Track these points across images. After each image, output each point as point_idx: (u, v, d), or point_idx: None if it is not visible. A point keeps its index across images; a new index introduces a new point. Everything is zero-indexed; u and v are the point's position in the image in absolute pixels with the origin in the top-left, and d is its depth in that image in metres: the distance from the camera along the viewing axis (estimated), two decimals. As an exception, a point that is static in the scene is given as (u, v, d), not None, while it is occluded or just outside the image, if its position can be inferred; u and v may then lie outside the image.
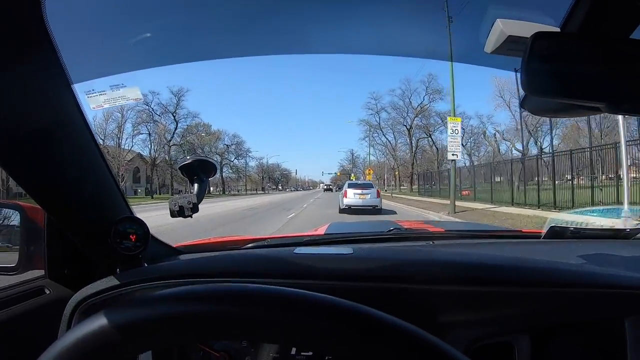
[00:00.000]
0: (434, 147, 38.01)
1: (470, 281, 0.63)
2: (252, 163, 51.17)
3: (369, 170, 27.04)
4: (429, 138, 37.09)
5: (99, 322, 0.33)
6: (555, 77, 0.40)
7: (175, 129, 36.27)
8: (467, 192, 17.38)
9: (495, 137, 32.77)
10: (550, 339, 0.68)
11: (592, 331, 0.68)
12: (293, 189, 58.51)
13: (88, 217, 0.55)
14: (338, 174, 54.53)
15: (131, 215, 0.60)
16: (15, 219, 0.66)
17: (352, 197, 12.34)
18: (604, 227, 1.32)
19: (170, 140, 35.96)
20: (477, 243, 1.20)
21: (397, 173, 38.07)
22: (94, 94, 0.64)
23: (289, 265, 0.66)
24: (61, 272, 0.65)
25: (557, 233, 1.18)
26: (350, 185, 13.49)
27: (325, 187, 44.52)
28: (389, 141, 39.05)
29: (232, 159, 45.45)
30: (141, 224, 0.60)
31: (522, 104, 0.51)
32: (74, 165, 0.49)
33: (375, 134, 38.59)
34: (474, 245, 1.17)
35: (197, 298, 0.33)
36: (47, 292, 0.70)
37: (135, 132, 32.77)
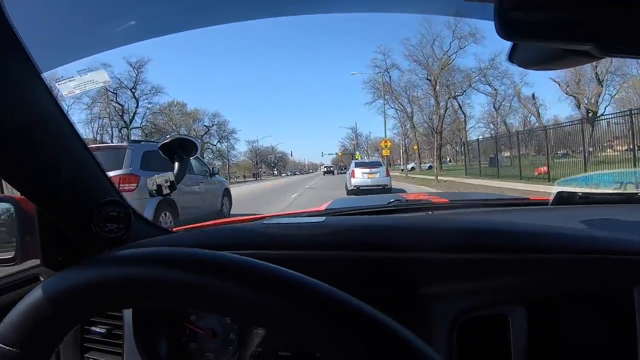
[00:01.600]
0: (459, 112, 33.87)
1: (455, 248, 0.64)
2: (243, 147, 50.77)
3: (385, 142, 23.29)
4: (454, 99, 32.63)
5: (44, 287, 0.37)
6: (531, 16, 0.39)
7: (136, 108, 32.57)
8: (543, 169, 13.75)
9: (535, 100, 29.34)
10: (550, 311, 0.68)
11: (596, 302, 0.68)
12: (290, 173, 57.20)
13: (71, 201, 0.61)
14: (339, 154, 53.43)
15: (114, 198, 0.66)
16: (9, 212, 0.73)
17: (360, 177, 12.41)
18: (616, 192, 1.36)
19: (130, 123, 31.75)
20: (481, 211, 1.25)
21: (416, 147, 33.10)
22: (63, 81, 0.70)
23: (256, 235, 0.68)
24: (55, 259, 0.69)
25: (565, 199, 1.22)
26: (358, 165, 13.48)
27: (325, 169, 43.03)
28: (402, 105, 34.53)
29: (215, 143, 42.96)
30: (124, 206, 0.64)
31: (510, 57, 0.50)
32: (52, 149, 0.55)
33: (385, 100, 34.35)
34: (476, 214, 1.21)
35: (135, 260, 0.37)
36: (42, 279, 0.77)
37: (91, 116, 30.02)
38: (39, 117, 0.51)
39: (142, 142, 6.54)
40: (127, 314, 0.68)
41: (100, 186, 0.64)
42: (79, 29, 0.74)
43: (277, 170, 57.66)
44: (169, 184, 0.68)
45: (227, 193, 7.94)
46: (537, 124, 28.84)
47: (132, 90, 31.62)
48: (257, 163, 54.45)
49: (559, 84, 27.68)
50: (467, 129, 34.13)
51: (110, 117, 30.63)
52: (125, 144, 6.17)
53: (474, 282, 0.64)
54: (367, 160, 15.60)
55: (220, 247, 0.58)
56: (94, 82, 0.73)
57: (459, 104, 33.31)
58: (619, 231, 0.90)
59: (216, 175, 7.74)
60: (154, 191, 0.68)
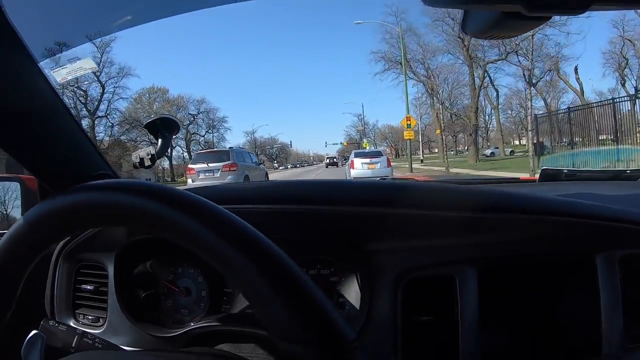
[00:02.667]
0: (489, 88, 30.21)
1: (398, 204, 0.68)
2: (241, 139, 50.26)
3: (407, 119, 18.91)
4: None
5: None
6: None
7: (102, 95, 29.56)
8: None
9: (577, 75, 25.45)
10: (506, 273, 0.71)
11: (557, 266, 0.72)
12: (290, 166, 56.21)
13: (67, 174, 0.74)
14: (344, 143, 52.44)
15: (105, 172, 0.74)
16: (16, 190, 0.87)
17: (359, 167, 12.54)
18: (603, 169, 1.48)
19: (94, 112, 28.92)
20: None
21: (440, 130, 26.20)
22: (57, 69, 0.84)
23: (220, 192, 0.79)
24: None
25: (551, 176, 1.32)
26: (358, 155, 13.63)
27: (328, 160, 40.81)
28: (419, 75, 29.49)
29: (203, 133, 40.79)
30: (112, 177, 0.72)
31: (463, 27, 0.52)
32: (48, 127, 0.66)
33: (396, 69, 30.15)
34: None
35: (90, 188, 0.45)
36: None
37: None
38: (37, 100, 0.60)
39: (235, 147, 13.88)
40: (111, 271, 0.79)
41: (92, 160, 0.77)
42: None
43: (277, 162, 56.99)
44: (150, 157, 0.82)
45: (266, 176, 14.54)
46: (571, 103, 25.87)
47: (97, 74, 28.23)
48: (256, 155, 54.11)
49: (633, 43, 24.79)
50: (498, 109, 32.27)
51: (75, 104, 27.93)
52: (227, 148, 13.69)
53: (419, 240, 0.68)
54: (367, 150, 15.73)
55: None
56: (83, 69, 0.87)
57: (490, 79, 28.86)
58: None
59: (260, 165, 14.85)
60: (137, 163, 0.82)
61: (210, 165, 11.65)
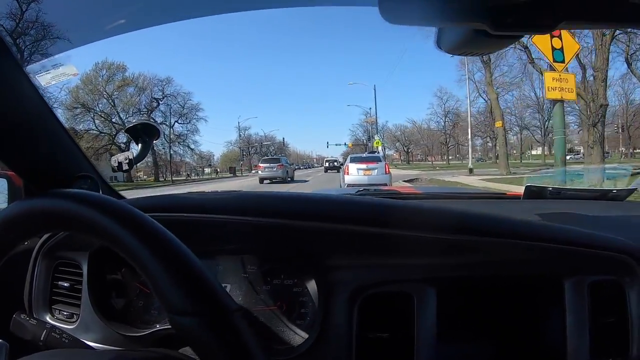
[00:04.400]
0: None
1: (358, 221, 0.73)
2: (232, 135, 49.00)
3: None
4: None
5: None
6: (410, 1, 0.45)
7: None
8: None
9: None
10: (470, 294, 0.78)
11: (523, 290, 0.77)
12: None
13: (50, 174, 0.78)
14: (349, 145, 50.00)
15: (87, 173, 0.84)
16: (3, 186, 0.97)
17: (355, 173, 12.53)
18: (588, 188, 1.54)
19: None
20: (443, 202, 1.45)
21: (500, 123, 22.44)
22: (42, 74, 0.97)
23: (180, 201, 0.85)
24: None
25: (535, 193, 1.42)
26: (353, 160, 13.62)
27: (328, 164, 38.29)
28: None
29: (172, 123, 37.52)
30: (94, 181, 0.84)
31: (437, 43, 0.55)
32: (32, 130, 0.71)
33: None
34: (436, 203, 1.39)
35: (49, 197, 0.53)
36: (26, 243, 0.95)
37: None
38: (22, 103, 0.68)
39: (282, 157, 27.16)
40: (85, 270, 0.89)
41: (75, 162, 0.85)
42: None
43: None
44: (127, 161, 0.94)
45: (293, 172, 23.53)
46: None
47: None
48: (248, 153, 52.51)
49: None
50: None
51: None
52: (278, 156, 27.60)
53: (379, 257, 0.74)
54: (364, 155, 15.65)
55: (149, 209, 0.76)
56: (66, 75, 1.00)
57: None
58: (591, 227, 0.97)
59: (292, 165, 28.39)
60: (116, 167, 0.94)
61: (271, 164, 22.70)
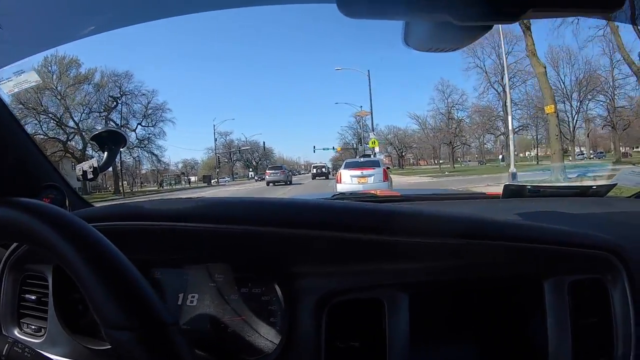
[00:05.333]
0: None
1: (323, 225, 0.73)
2: (210, 142, 47.96)
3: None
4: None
5: None
6: None
7: None
8: None
9: None
10: (445, 297, 0.79)
11: (502, 292, 0.79)
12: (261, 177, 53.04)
13: (16, 183, 0.81)
14: (337, 149, 48.36)
15: (53, 183, 0.87)
16: None
17: (348, 182, 11.66)
18: (569, 185, 1.61)
19: None
20: (428, 203, 1.51)
21: (552, 109, 18.32)
22: (3, 81, 1.00)
23: (143, 209, 0.85)
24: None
25: (514, 192, 1.49)
26: (348, 165, 12.90)
27: (315, 170, 36.96)
28: None
29: (134, 126, 35.27)
30: (61, 191, 0.88)
31: (405, 40, 0.56)
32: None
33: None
34: (421, 205, 1.45)
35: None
36: None
37: None
38: None
39: (284, 166, 32.37)
40: (50, 282, 0.90)
41: (42, 171, 0.88)
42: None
43: (252, 171, 53.37)
44: (92, 169, 0.97)
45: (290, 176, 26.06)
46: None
47: None
48: (230, 160, 51.32)
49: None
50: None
51: None
52: (280, 165, 37.02)
53: (346, 263, 0.74)
54: (361, 160, 14.67)
55: (113, 218, 0.79)
56: (28, 82, 1.03)
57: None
58: (553, 222, 1.00)
59: (289, 171, 31.29)
60: (81, 176, 0.97)
61: (275, 170, 28.85)
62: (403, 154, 52.97)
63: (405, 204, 1.48)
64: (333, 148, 49.14)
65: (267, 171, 29.96)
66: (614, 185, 1.49)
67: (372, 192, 1.88)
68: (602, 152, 39.62)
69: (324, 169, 37.61)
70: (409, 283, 0.75)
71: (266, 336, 0.76)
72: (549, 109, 18.16)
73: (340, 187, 11.43)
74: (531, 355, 0.76)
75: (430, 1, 0.47)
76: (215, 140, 47.76)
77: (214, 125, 45.98)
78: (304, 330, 0.72)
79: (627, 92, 31.75)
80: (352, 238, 0.73)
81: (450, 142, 40.50)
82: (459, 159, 41.59)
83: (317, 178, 34.75)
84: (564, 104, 34.61)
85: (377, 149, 25.42)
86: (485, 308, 0.80)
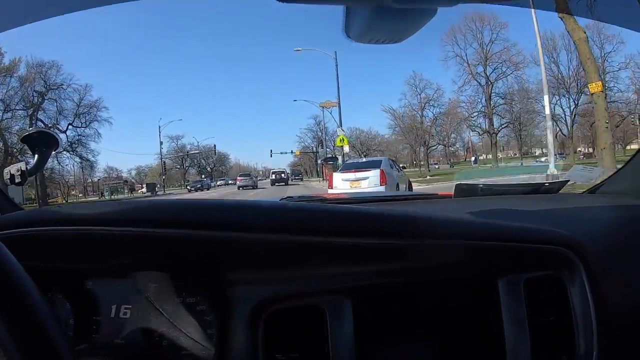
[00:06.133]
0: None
1: (262, 228, 0.70)
2: (164, 145, 47.12)
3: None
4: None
5: None
6: None
7: None
8: None
9: None
10: (396, 300, 0.79)
11: (457, 291, 0.80)
12: (223, 182, 49.78)
13: None
14: (297, 153, 47.45)
15: None
16: None
17: (339, 185, 10.94)
18: (521, 183, 1.66)
19: None
20: (380, 205, 1.50)
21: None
22: None
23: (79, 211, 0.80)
24: None
25: (466, 191, 1.52)
26: (344, 168, 12.25)
27: (274, 176, 36.71)
28: None
29: (64, 127, 32.46)
30: None
31: (346, 32, 0.58)
32: None
33: None
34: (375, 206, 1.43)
35: None
36: None
37: None
38: None
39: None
40: None
41: None
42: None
43: (206, 177, 50.96)
44: (19, 173, 0.95)
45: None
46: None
47: None
48: (182, 166, 50.20)
49: None
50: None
51: None
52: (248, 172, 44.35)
53: (283, 268, 0.74)
54: (360, 161, 13.41)
55: (43, 223, 0.75)
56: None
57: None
58: (506, 220, 1.01)
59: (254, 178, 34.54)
60: (8, 180, 0.95)
61: (245, 177, 34.43)
62: (366, 157, 52.09)
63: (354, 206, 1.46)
64: (291, 152, 48.36)
65: (238, 177, 35.76)
66: (566, 182, 1.56)
67: (322, 195, 1.90)
68: (562, 154, 40.47)
69: (283, 175, 37.40)
70: (351, 288, 0.74)
71: (202, 350, 0.74)
72: (595, 86, 13.67)
73: (330, 192, 10.64)
74: (491, 355, 0.77)
75: None
76: (161, 143, 45.32)
77: (159, 127, 43.88)
78: (239, 342, 0.71)
79: (617, 85, 31.64)
80: (285, 240, 0.71)
81: (425, 143, 38.81)
82: (421, 162, 39.76)
83: (276, 184, 34.55)
84: (559, 97, 33.54)
85: (346, 149, 23.05)
86: (443, 308, 0.81)
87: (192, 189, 38.52)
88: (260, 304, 0.72)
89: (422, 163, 39.50)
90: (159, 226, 0.70)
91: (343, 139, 22.34)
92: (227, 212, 0.73)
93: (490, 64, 33.70)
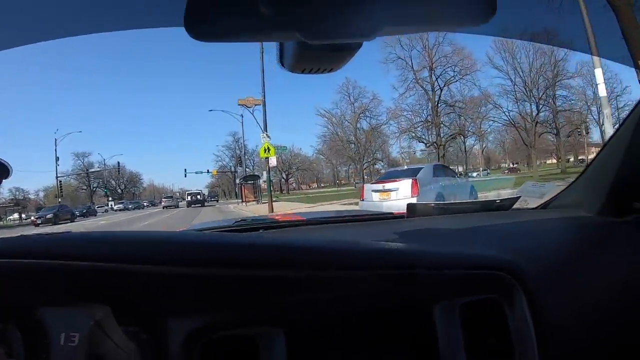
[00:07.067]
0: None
1: (184, 262, 0.74)
2: (68, 164, 43.97)
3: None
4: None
5: None
6: (220, 18, 0.49)
7: None
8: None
9: None
10: (326, 333, 0.78)
11: (391, 320, 0.79)
12: (130, 206, 47.08)
13: None
14: (214, 172, 45.56)
15: None
16: None
17: (369, 197, 10.42)
18: (474, 200, 1.73)
19: None
20: (325, 227, 1.54)
21: None
22: None
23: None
24: None
25: (418, 210, 1.55)
26: (383, 177, 11.80)
27: (190, 197, 36.63)
28: None
29: None
30: None
31: (280, 61, 0.61)
32: None
33: None
34: (315, 230, 1.48)
35: None
36: None
37: None
38: None
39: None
40: None
41: None
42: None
43: (112, 200, 49.59)
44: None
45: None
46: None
47: None
48: (88, 186, 48.15)
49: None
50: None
51: None
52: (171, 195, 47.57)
53: (211, 300, 0.74)
54: (402, 168, 12.73)
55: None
56: None
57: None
58: (454, 240, 1.06)
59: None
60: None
61: (168, 199, 40.53)
62: (288, 177, 51.36)
63: (298, 230, 1.52)
64: (208, 171, 46.04)
65: (163, 199, 40.88)
66: (518, 198, 1.61)
67: (274, 217, 1.96)
68: (487, 170, 41.05)
69: (199, 196, 37.34)
70: (282, 317, 0.75)
71: None
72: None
73: (361, 205, 10.71)
74: None
75: (276, 23, 0.50)
76: (58, 159, 42.38)
77: (55, 140, 41.43)
78: None
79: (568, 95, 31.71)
80: (210, 273, 0.73)
81: (360, 159, 36.01)
82: (356, 180, 37.37)
83: (192, 206, 34.33)
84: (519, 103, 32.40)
85: (273, 161, 19.34)
86: (381, 336, 0.80)
87: (39, 220, 28.07)
88: (194, 334, 0.73)
89: (324, 185, 38.04)
90: (93, 260, 0.73)
91: (268, 147, 18.20)
92: (151, 246, 0.76)
93: (437, 67, 32.01)
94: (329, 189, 47.28)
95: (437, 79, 32.75)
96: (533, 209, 1.59)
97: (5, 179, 0.98)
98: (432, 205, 1.58)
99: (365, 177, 36.35)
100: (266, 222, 1.69)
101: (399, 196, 9.61)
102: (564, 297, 0.88)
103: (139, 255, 0.74)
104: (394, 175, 10.96)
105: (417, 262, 0.78)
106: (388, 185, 10.10)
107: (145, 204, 50.79)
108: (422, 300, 0.78)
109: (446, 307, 0.78)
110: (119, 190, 52.68)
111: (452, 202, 1.81)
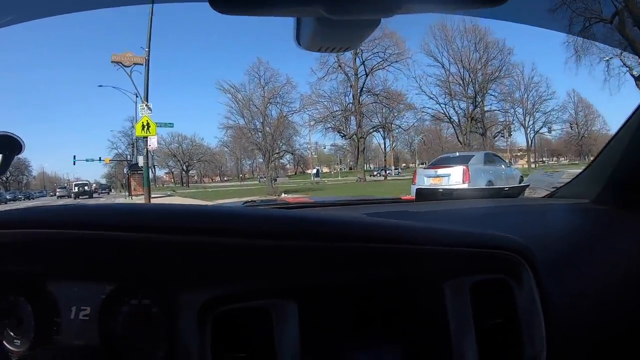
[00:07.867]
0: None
1: (198, 230, 0.73)
2: None
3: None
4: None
5: None
6: None
7: None
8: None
9: None
10: (341, 305, 0.79)
11: (405, 295, 0.81)
12: (10, 195, 42.07)
13: None
14: (106, 160, 40.19)
15: None
16: None
17: (421, 183, 10.27)
18: (482, 187, 1.83)
19: None
20: (333, 209, 1.55)
21: None
22: None
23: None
24: None
25: (426, 195, 1.61)
26: (434, 163, 11.86)
27: (77, 189, 34.05)
28: None
29: None
30: None
31: (297, 40, 0.61)
32: None
33: None
34: (324, 211, 1.49)
35: None
36: None
37: None
38: None
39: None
40: None
41: None
42: None
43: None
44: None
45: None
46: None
47: None
48: None
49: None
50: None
51: None
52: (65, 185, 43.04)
53: (224, 270, 0.74)
54: (454, 155, 12.63)
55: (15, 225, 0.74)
56: None
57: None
58: (462, 224, 1.08)
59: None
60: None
61: (62, 189, 40.29)
62: (189, 169, 47.86)
63: (307, 210, 1.52)
64: (100, 159, 40.17)
65: (58, 189, 40.44)
66: (527, 186, 1.72)
67: (284, 199, 1.85)
68: (398, 169, 40.99)
69: (86, 187, 35.41)
70: (300, 289, 0.76)
71: (155, 349, 0.74)
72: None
73: (413, 189, 9.99)
74: (439, 356, 0.80)
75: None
76: None
77: None
78: (187, 343, 0.72)
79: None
80: (222, 243, 0.73)
81: (267, 151, 29.71)
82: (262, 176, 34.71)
83: (81, 197, 32.14)
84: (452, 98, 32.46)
85: (153, 142, 15.35)
86: (393, 311, 0.82)
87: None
88: (206, 306, 0.72)
89: (226, 178, 36.39)
90: (105, 229, 0.73)
91: (148, 123, 13.64)
92: (169, 216, 0.76)
93: (362, 53, 30.22)
94: (232, 183, 45.63)
95: (362, 63, 31.74)
96: (539, 197, 1.66)
97: (18, 154, 1.03)
98: (441, 190, 1.64)
99: (271, 171, 32.03)
100: (276, 204, 1.69)
101: (450, 182, 9.72)
102: (570, 281, 0.93)
103: (152, 224, 0.74)
104: (446, 162, 11.14)
105: (428, 238, 0.79)
106: (440, 171, 10.27)
107: (36, 194, 47.28)
108: (432, 277, 0.80)
109: (457, 285, 0.79)
110: (4, 179, 46.67)
111: (461, 188, 1.89)
